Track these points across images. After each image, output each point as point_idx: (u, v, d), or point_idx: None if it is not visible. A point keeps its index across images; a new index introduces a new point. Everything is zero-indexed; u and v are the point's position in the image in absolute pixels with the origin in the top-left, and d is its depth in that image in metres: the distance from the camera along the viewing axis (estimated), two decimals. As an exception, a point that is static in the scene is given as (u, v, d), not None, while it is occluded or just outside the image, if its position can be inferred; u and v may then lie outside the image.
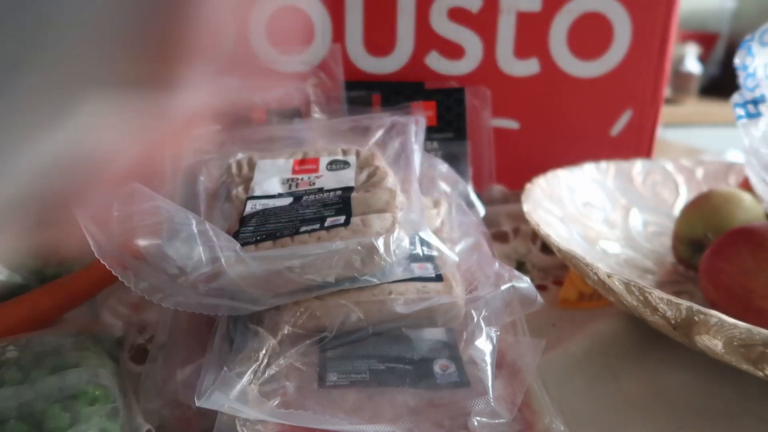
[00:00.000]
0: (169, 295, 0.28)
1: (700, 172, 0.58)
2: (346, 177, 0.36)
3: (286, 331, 0.29)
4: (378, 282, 0.30)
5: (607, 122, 0.62)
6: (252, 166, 0.37)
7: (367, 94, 0.56)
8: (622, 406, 0.34)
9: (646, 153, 0.63)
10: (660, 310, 0.31)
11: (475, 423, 0.26)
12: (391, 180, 0.35)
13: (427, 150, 0.54)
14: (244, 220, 0.32)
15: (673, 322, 0.31)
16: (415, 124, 0.41)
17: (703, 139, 1.66)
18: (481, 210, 0.44)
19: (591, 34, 0.59)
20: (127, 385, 0.30)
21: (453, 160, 0.54)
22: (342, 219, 0.31)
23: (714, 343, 0.30)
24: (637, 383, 0.36)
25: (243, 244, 0.29)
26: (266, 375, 0.27)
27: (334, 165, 0.37)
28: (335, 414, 0.26)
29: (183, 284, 0.28)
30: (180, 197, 0.35)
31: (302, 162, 0.37)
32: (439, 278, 0.31)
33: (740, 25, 2.09)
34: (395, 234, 0.30)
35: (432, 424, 0.27)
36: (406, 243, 0.31)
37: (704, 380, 0.36)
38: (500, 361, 0.30)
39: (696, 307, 0.29)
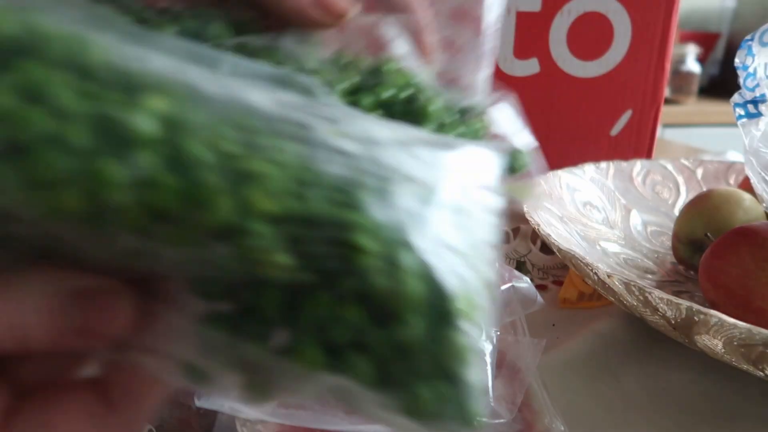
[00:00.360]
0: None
1: (700, 172, 0.58)
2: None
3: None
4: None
5: (607, 122, 0.62)
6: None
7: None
8: (622, 406, 0.34)
9: (646, 153, 0.63)
10: (660, 310, 0.31)
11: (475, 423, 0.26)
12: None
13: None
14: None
15: (673, 322, 0.31)
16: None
17: (703, 139, 1.66)
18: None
19: (591, 34, 0.59)
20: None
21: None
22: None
23: (714, 343, 0.30)
24: (637, 383, 0.35)
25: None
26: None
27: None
28: (335, 414, 0.26)
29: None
30: None
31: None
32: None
33: (740, 25, 2.09)
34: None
35: (432, 424, 0.27)
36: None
37: (704, 380, 0.36)
38: (500, 361, 0.30)
39: (696, 307, 0.29)
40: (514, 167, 0.24)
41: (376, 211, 0.13)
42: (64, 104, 0.12)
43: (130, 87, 0.12)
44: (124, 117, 0.12)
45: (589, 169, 0.55)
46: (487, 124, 0.23)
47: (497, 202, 0.17)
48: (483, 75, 0.26)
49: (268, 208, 0.13)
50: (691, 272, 0.47)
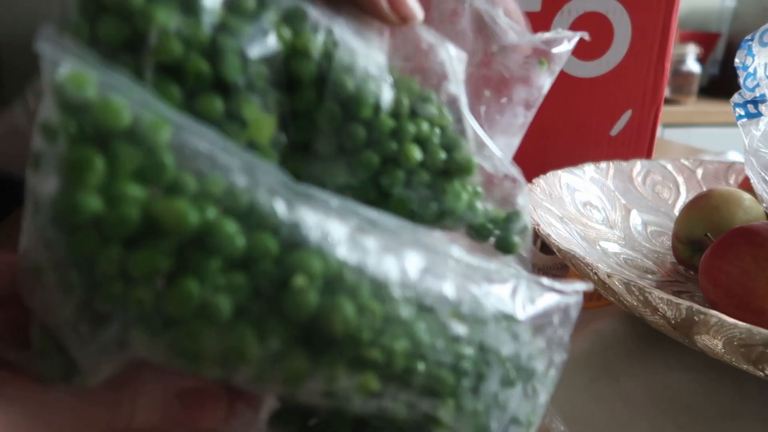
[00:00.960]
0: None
1: (700, 172, 0.58)
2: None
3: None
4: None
5: (607, 122, 0.62)
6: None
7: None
8: (622, 406, 0.34)
9: (646, 153, 0.63)
10: (660, 310, 0.31)
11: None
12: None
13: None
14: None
15: (673, 322, 0.31)
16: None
17: (703, 139, 1.66)
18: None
19: (591, 34, 0.59)
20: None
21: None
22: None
23: (714, 343, 0.30)
24: (637, 383, 0.36)
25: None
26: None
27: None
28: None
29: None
30: None
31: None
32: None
33: (740, 25, 2.09)
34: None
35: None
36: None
37: (704, 380, 0.36)
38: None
39: (696, 307, 0.29)
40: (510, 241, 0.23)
41: (465, 397, 0.15)
42: (215, 280, 0.13)
43: (281, 261, 0.14)
44: (273, 294, 0.14)
45: (589, 169, 0.55)
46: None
47: (565, 355, 0.18)
48: (514, 142, 0.25)
49: (374, 388, 0.15)
50: (691, 272, 0.47)
